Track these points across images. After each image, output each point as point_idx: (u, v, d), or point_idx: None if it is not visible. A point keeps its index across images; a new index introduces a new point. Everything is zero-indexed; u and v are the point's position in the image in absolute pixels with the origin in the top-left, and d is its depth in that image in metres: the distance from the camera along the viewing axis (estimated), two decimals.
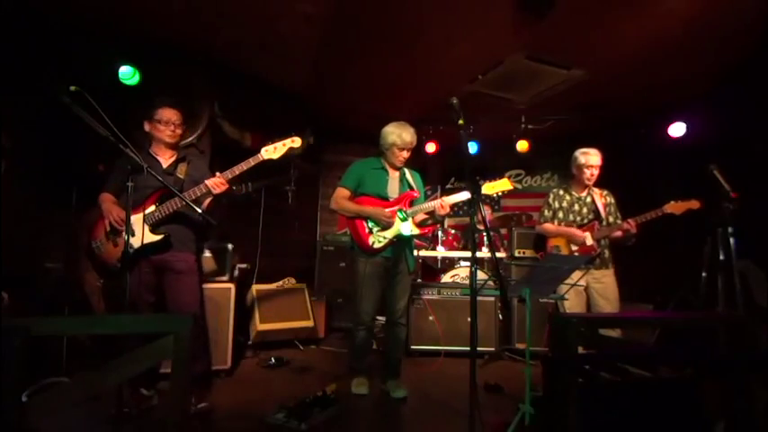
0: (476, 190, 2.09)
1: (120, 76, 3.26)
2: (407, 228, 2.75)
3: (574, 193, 3.24)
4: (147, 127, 2.57)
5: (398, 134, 2.77)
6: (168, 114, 2.54)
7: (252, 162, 2.45)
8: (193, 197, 2.36)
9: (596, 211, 3.15)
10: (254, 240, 4.26)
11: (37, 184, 3.12)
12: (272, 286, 4.04)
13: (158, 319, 1.64)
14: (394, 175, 2.88)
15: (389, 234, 2.73)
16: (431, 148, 5.56)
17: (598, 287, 3.06)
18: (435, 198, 2.79)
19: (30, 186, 3.08)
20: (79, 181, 3.10)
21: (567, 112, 4.81)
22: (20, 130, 2.97)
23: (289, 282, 4.15)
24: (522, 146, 5.12)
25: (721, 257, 2.73)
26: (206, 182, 2.38)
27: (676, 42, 3.37)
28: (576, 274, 3.02)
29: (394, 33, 3.46)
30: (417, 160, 4.82)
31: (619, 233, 3.03)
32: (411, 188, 2.88)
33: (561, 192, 3.29)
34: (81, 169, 3.12)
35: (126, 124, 2.13)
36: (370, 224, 2.75)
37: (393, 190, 2.84)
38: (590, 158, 3.10)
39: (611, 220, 3.14)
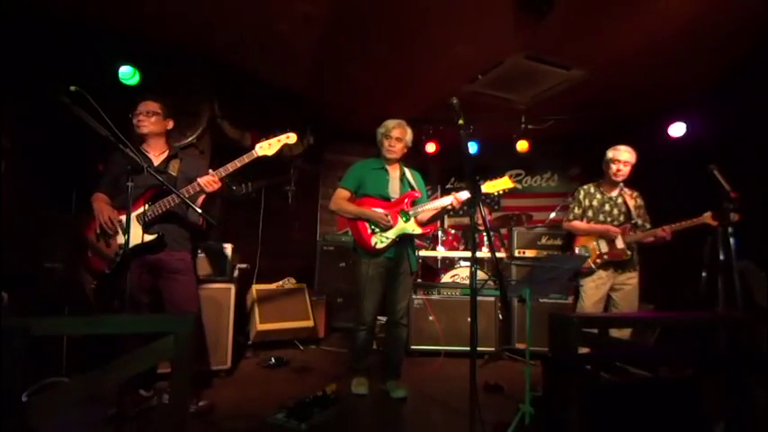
0: (476, 190, 2.09)
1: (120, 76, 3.25)
2: (410, 227, 2.75)
3: (605, 191, 3.16)
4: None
5: (383, 124, 2.85)
6: (141, 106, 2.47)
7: (246, 159, 2.38)
8: (186, 195, 2.29)
9: (627, 213, 3.08)
10: (254, 240, 4.26)
11: (37, 184, 3.11)
12: (272, 286, 4.04)
13: (158, 319, 1.64)
14: (395, 175, 2.88)
15: (392, 234, 2.73)
16: (431, 148, 5.54)
17: (627, 289, 3.03)
18: (436, 197, 2.79)
19: (30, 186, 3.08)
20: (79, 181, 3.10)
21: (567, 112, 4.80)
22: (20, 130, 2.97)
23: (289, 282, 4.15)
24: (522, 146, 5.11)
25: (721, 257, 2.73)
26: (198, 180, 2.33)
27: (676, 42, 3.36)
28: (605, 277, 3.02)
29: (394, 33, 3.46)
30: (417, 160, 4.82)
31: (651, 239, 2.98)
32: (412, 188, 2.88)
33: (592, 189, 3.18)
34: (81, 169, 3.12)
35: (126, 124, 2.13)
36: (372, 224, 2.75)
37: (394, 190, 2.84)
38: (618, 154, 3.02)
39: (639, 222, 3.08)
